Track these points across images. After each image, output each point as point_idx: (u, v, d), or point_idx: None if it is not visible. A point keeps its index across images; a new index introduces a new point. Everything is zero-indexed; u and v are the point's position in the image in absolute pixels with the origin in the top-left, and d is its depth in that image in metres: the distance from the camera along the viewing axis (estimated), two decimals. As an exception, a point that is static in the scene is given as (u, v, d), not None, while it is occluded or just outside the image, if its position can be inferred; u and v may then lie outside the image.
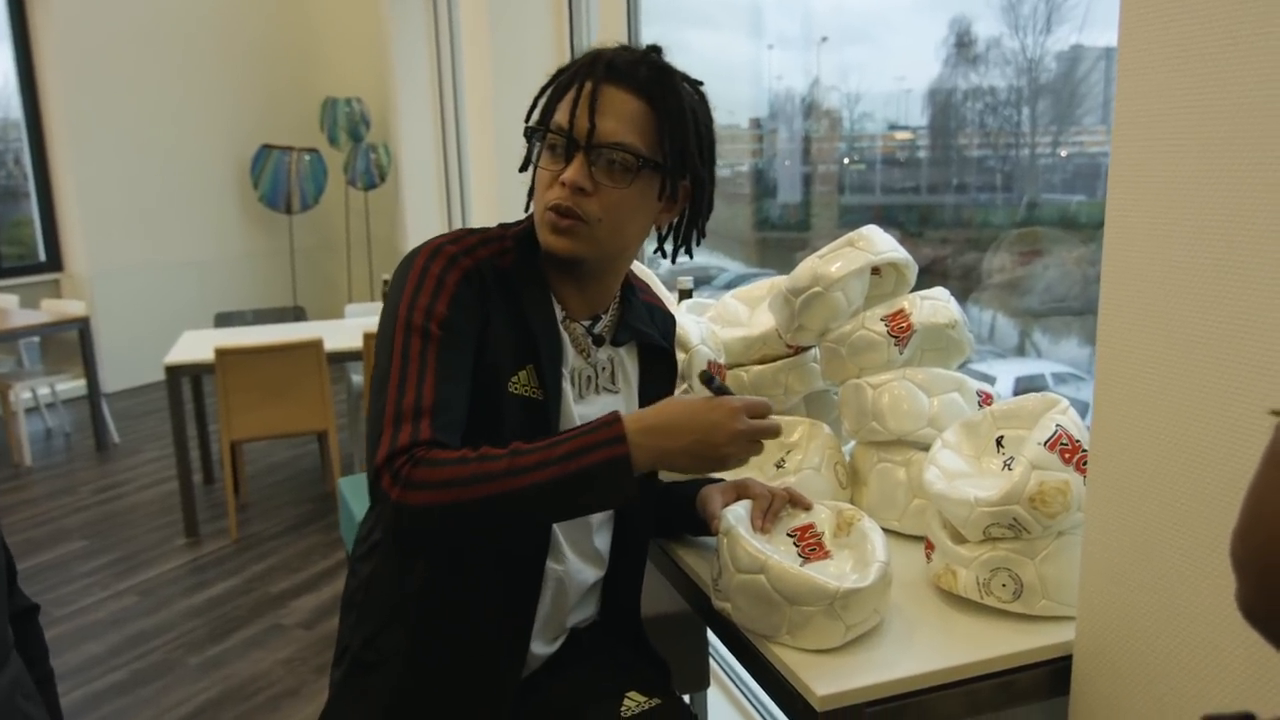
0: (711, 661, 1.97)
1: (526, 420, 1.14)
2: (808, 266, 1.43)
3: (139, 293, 6.47)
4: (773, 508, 1.26)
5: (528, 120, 1.17)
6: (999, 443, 1.26)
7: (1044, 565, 1.12)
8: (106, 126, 6.26)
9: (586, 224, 1.12)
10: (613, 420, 1.03)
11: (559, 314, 1.20)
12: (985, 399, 1.38)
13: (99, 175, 6.25)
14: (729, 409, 1.06)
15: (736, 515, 1.20)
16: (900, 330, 1.38)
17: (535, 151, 1.17)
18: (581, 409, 1.21)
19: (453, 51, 6.18)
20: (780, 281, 1.51)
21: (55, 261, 6.37)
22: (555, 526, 1.20)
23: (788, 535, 1.25)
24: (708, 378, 1.18)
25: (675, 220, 1.23)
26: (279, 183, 6.92)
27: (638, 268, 1.50)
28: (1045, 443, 1.11)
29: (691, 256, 1.26)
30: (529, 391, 1.14)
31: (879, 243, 1.44)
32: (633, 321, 1.26)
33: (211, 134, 6.84)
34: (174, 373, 3.80)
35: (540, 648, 1.26)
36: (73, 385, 5.64)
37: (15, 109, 6.19)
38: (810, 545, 1.22)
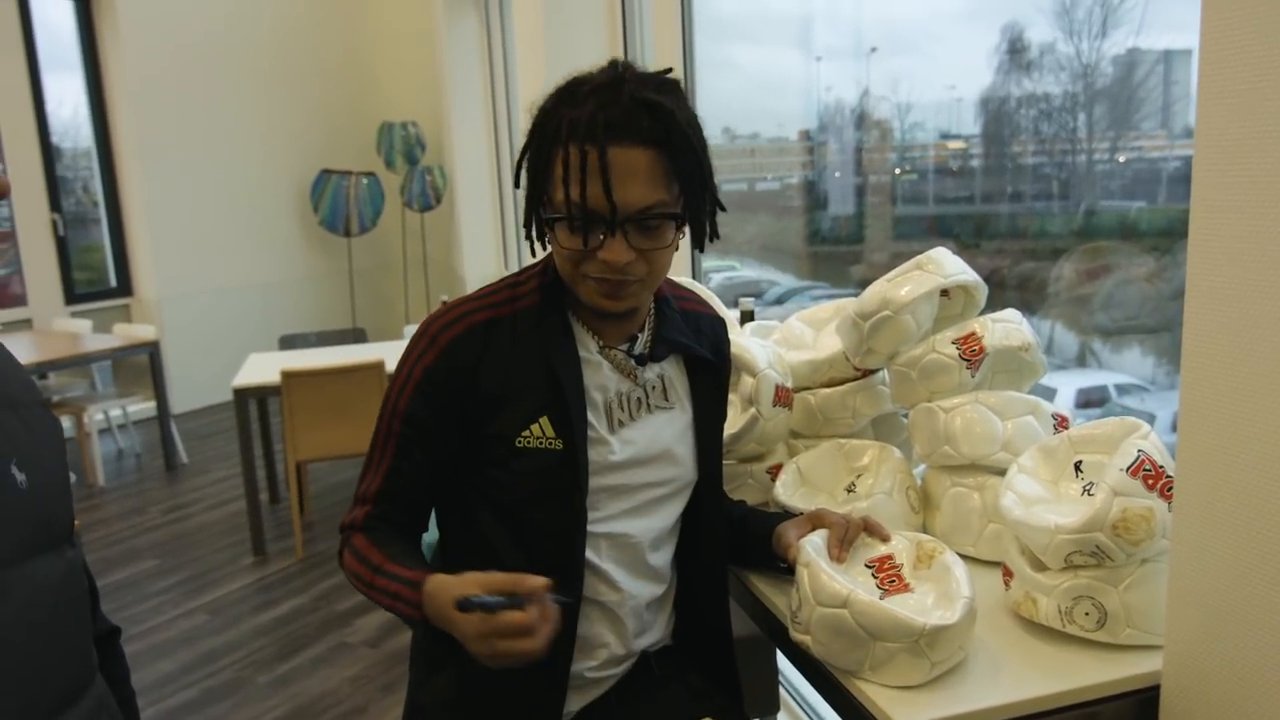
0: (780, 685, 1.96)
1: (547, 472, 1.16)
2: (876, 290, 1.43)
3: (205, 316, 6.64)
4: (848, 536, 1.24)
5: (516, 184, 1.15)
6: (1077, 467, 1.24)
7: (1128, 593, 1.10)
8: (174, 154, 6.45)
9: (639, 282, 1.13)
10: (418, 587, 1.08)
11: (594, 345, 1.21)
12: (1061, 422, 1.36)
13: (167, 202, 6.44)
14: (472, 633, 1.00)
15: (815, 546, 1.18)
16: (972, 354, 1.36)
17: (541, 219, 1.14)
18: (632, 433, 1.22)
19: (506, 74, 6.27)
20: (847, 304, 1.51)
21: (125, 286, 6.57)
22: (592, 554, 1.20)
23: (865, 566, 1.22)
24: (463, 603, 1.00)
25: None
26: (338, 206, 7.07)
27: (692, 284, 1.49)
28: (1128, 469, 1.09)
29: (703, 250, 1.24)
30: (544, 444, 1.16)
31: (948, 265, 1.42)
32: (668, 334, 1.25)
33: (273, 160, 7.02)
34: (241, 395, 3.89)
35: (594, 672, 1.25)
36: (143, 407, 5.80)
37: (85, 137, 6.40)
38: (889, 577, 1.20)
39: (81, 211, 6.52)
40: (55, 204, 6.09)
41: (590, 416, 1.19)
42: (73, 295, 6.23)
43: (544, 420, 1.16)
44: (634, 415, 1.23)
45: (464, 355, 1.16)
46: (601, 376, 1.21)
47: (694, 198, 1.12)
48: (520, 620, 0.97)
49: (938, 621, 1.04)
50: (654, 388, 1.25)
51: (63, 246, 6.15)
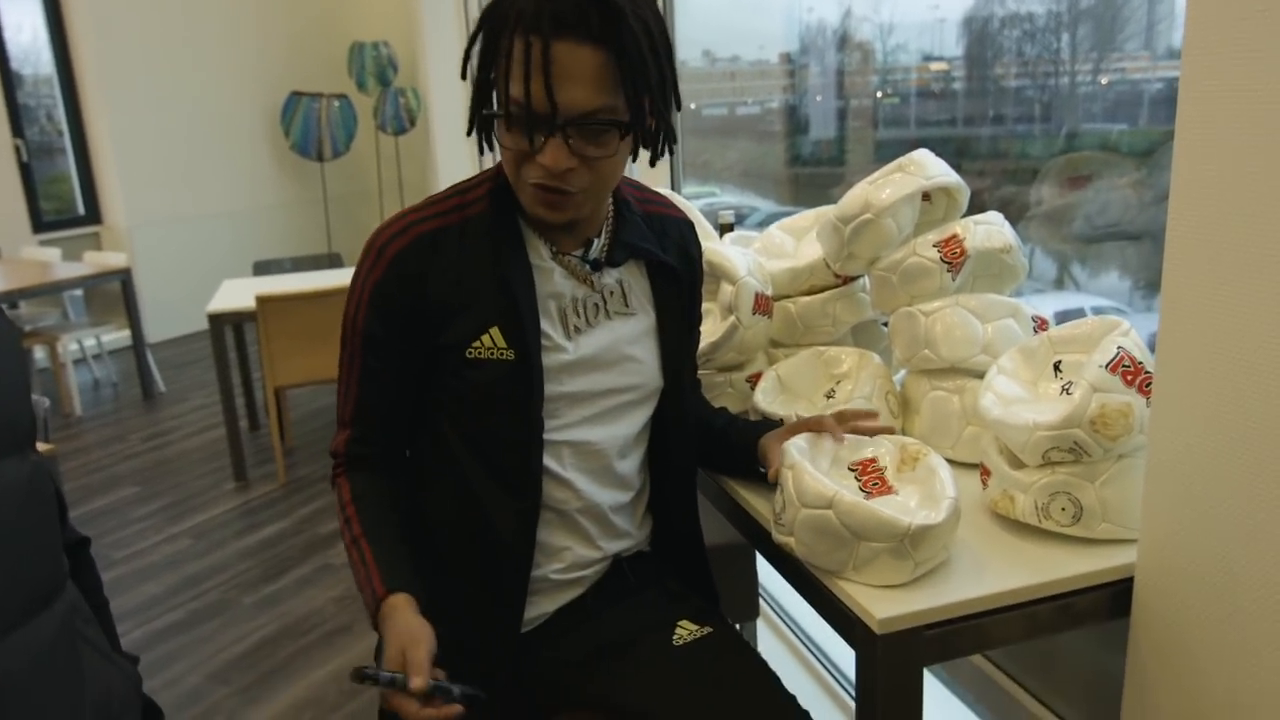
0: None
1: (501, 383, 1.15)
2: (857, 193, 1.40)
3: (177, 243, 6.53)
4: (844, 418, 1.26)
5: (464, 76, 1.08)
6: (1056, 367, 1.24)
7: (1105, 488, 1.11)
8: (138, 78, 6.27)
9: (581, 193, 1.09)
10: (380, 597, 1.10)
11: (547, 251, 1.18)
12: (1041, 324, 1.36)
13: (133, 128, 6.27)
14: (403, 651, 1.01)
15: (799, 449, 1.18)
16: (953, 256, 1.35)
17: (482, 118, 1.08)
18: (589, 339, 1.20)
19: (479, -9, 6.10)
20: (828, 211, 1.49)
21: (94, 215, 6.44)
22: (553, 462, 1.20)
23: (849, 469, 1.22)
24: (356, 674, 0.98)
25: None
26: (310, 130, 6.91)
27: (667, 193, 1.45)
28: (1107, 365, 1.09)
29: (671, 153, 1.18)
30: (495, 354, 1.14)
31: (930, 167, 1.40)
32: (627, 238, 1.21)
33: (241, 82, 6.83)
34: (217, 321, 3.84)
35: (561, 574, 1.25)
36: (117, 336, 5.74)
37: (46, 64, 6.20)
38: (873, 479, 1.20)
39: (46, 141, 6.34)
40: (18, 130, 5.92)
41: (544, 325, 1.17)
42: (40, 224, 6.10)
43: (494, 330, 1.14)
44: (591, 321, 1.20)
45: (412, 266, 1.13)
46: (555, 283, 1.18)
47: (640, 106, 1.06)
48: (405, 710, 0.98)
49: (922, 521, 1.04)
50: (612, 293, 1.22)
51: (27, 173, 5.99)
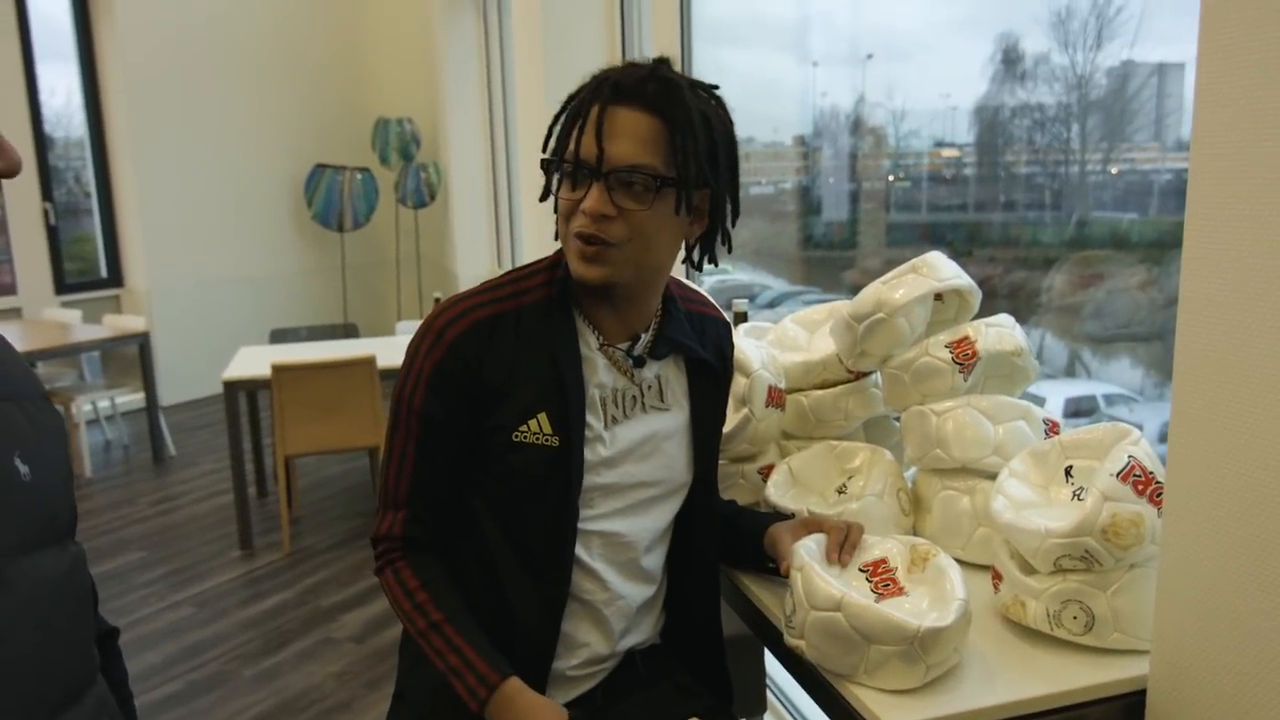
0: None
1: (543, 469, 1.17)
2: (871, 292, 1.43)
3: (196, 308, 6.62)
4: (850, 539, 1.24)
5: (544, 151, 1.18)
6: (1068, 472, 1.24)
7: (1117, 598, 1.11)
8: (167, 146, 6.43)
9: (615, 247, 1.13)
10: (494, 683, 1.11)
11: (594, 341, 1.21)
12: (1052, 428, 1.37)
13: (159, 193, 6.41)
14: None
15: (809, 550, 1.18)
16: (965, 357, 1.37)
17: (555, 182, 1.17)
18: (625, 431, 1.22)
19: (503, 71, 6.27)
20: (841, 306, 1.51)
21: (116, 278, 6.54)
22: (583, 552, 1.21)
23: (860, 570, 1.22)
24: None
25: (703, 231, 1.22)
26: (332, 201, 7.05)
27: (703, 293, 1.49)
28: (1118, 474, 1.09)
29: (716, 264, 1.24)
30: (541, 440, 1.16)
31: (942, 269, 1.43)
32: (670, 334, 1.25)
33: (267, 154, 6.99)
34: (231, 388, 3.87)
35: (575, 670, 1.25)
36: (131, 399, 5.77)
37: (78, 127, 6.37)
38: (884, 580, 1.19)
39: (73, 202, 6.48)
40: (47, 193, 6.06)
41: (587, 414, 1.19)
42: (63, 285, 6.20)
43: (542, 416, 1.16)
44: (628, 413, 1.23)
45: (469, 350, 1.16)
46: (598, 373, 1.21)
47: (695, 177, 1.13)
48: None
49: (932, 623, 1.04)
50: (650, 387, 1.25)
51: (54, 236, 6.11)
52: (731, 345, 1.38)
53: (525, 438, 1.16)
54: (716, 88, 1.18)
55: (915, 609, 1.12)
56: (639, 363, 1.23)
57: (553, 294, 1.20)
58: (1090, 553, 1.09)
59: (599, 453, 1.20)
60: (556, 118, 1.17)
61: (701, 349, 1.28)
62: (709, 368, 1.29)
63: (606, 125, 1.10)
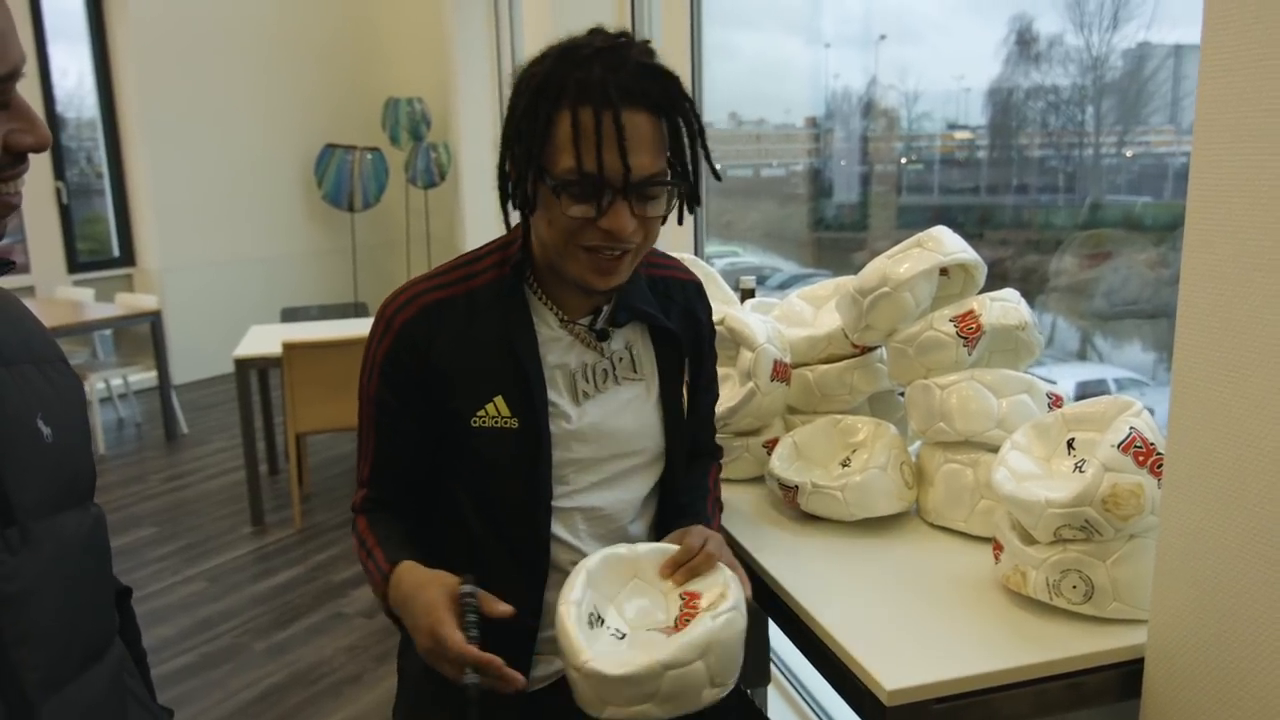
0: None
1: (505, 450, 1.17)
2: (876, 267, 1.44)
3: (207, 287, 6.65)
4: (692, 563, 1.14)
5: (507, 144, 1.11)
6: (1070, 445, 1.25)
7: (1116, 568, 1.12)
8: (179, 126, 6.44)
9: (630, 253, 1.12)
10: (383, 581, 1.14)
11: (555, 320, 1.21)
12: (1055, 401, 1.38)
13: (171, 174, 6.43)
14: (431, 630, 1.02)
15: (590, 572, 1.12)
16: (969, 331, 1.38)
17: (534, 187, 1.09)
18: (597, 404, 1.22)
19: (514, 51, 6.26)
20: (847, 281, 1.52)
21: (128, 257, 6.57)
22: (565, 530, 1.21)
23: (681, 595, 1.14)
24: (468, 605, 1.04)
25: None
26: (342, 181, 7.06)
27: (690, 260, 1.48)
28: (1119, 445, 1.10)
29: (693, 212, 1.17)
30: (500, 422, 1.17)
31: (948, 243, 1.44)
32: (630, 301, 1.23)
33: (278, 134, 7.01)
34: (243, 366, 3.90)
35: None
36: (144, 377, 5.82)
37: (89, 108, 6.39)
38: (686, 616, 1.10)
39: (85, 182, 6.51)
40: (59, 173, 6.09)
41: (551, 394, 1.19)
42: (75, 264, 6.24)
43: (499, 400, 1.17)
44: (600, 386, 1.23)
45: (417, 336, 1.17)
46: (562, 352, 1.21)
47: (685, 167, 1.11)
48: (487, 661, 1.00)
49: (600, 667, 0.99)
50: (621, 359, 1.25)
51: (66, 215, 6.15)
52: (707, 306, 1.35)
53: (484, 422, 1.17)
54: (649, 42, 1.11)
55: (643, 649, 1.05)
56: (603, 335, 1.23)
57: (505, 275, 1.19)
58: (1090, 523, 1.10)
59: (564, 428, 1.20)
60: (517, 110, 1.08)
61: (665, 316, 1.26)
62: (673, 335, 1.26)
63: (628, 137, 1.03)
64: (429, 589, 1.06)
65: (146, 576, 3.57)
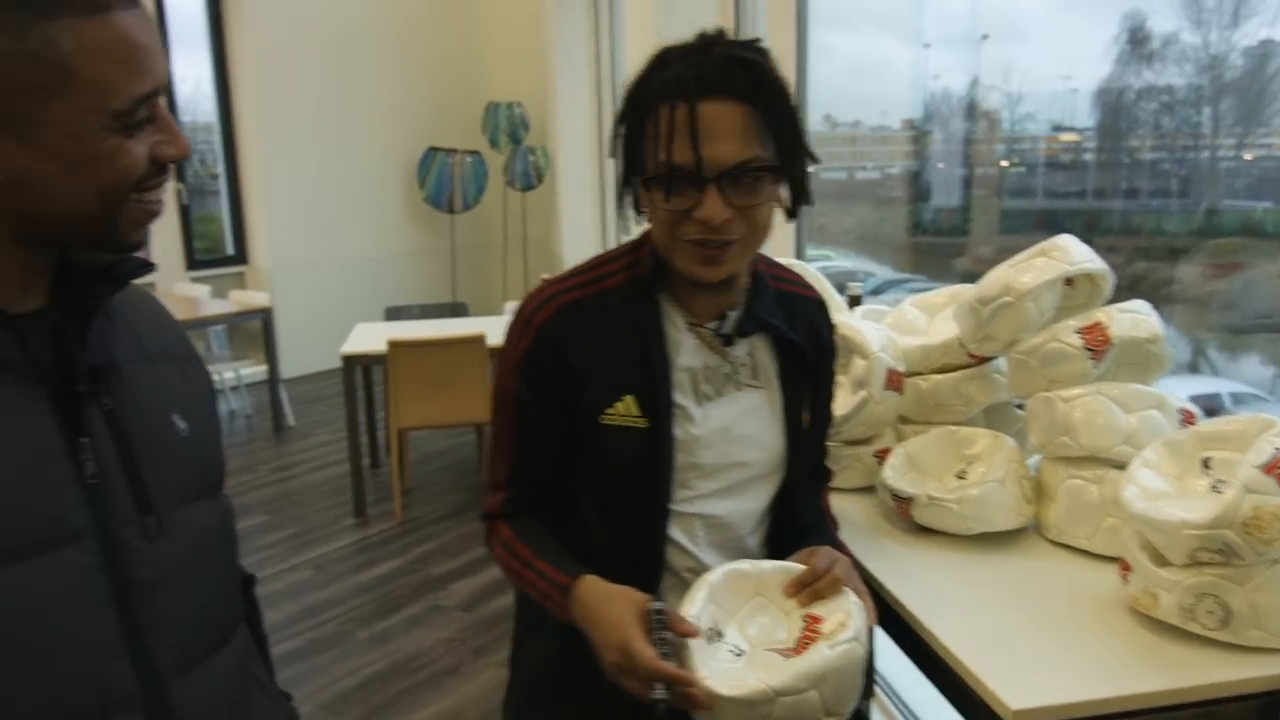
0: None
1: (633, 450, 1.17)
2: (998, 276, 1.41)
3: (315, 285, 6.88)
4: (817, 585, 1.12)
5: (613, 153, 1.14)
6: (1205, 464, 1.21)
7: (1256, 594, 1.07)
8: (291, 130, 6.69)
9: (734, 244, 1.12)
10: (562, 594, 1.12)
11: (682, 321, 1.21)
12: (1188, 418, 1.33)
13: (283, 176, 6.69)
14: (621, 645, 1.01)
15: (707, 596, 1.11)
16: (1097, 343, 1.34)
17: (638, 189, 1.13)
18: (718, 408, 1.21)
19: (613, 56, 6.32)
20: (965, 290, 1.49)
21: (241, 255, 6.85)
22: (684, 536, 1.21)
23: (803, 617, 1.12)
24: (658, 621, 1.03)
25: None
26: (443, 184, 7.23)
27: (797, 265, 1.47)
28: (1262, 465, 1.05)
29: (794, 217, 1.18)
30: (629, 421, 1.17)
31: (1074, 253, 1.40)
32: (758, 312, 1.23)
33: (384, 137, 7.21)
34: (349, 362, 4.03)
35: None
36: (254, 370, 6.05)
37: (205, 112, 6.69)
38: (806, 638, 1.09)
39: (199, 184, 6.81)
40: (179, 175, 6.38)
41: (677, 396, 1.19)
42: (193, 261, 6.53)
43: (629, 399, 1.17)
44: (721, 390, 1.22)
45: (557, 334, 1.19)
46: (686, 352, 1.21)
47: (790, 154, 1.11)
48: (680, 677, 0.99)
49: (713, 686, 0.98)
50: (743, 365, 1.24)
51: (185, 215, 6.45)
52: (829, 323, 1.34)
53: (613, 420, 1.18)
54: (758, 40, 1.13)
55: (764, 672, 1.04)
56: (728, 340, 1.22)
57: (637, 276, 1.20)
58: (1229, 545, 1.06)
59: (689, 431, 1.20)
60: (623, 119, 1.12)
61: (790, 329, 1.26)
62: (797, 349, 1.26)
63: (702, 125, 1.04)
64: (615, 604, 1.07)
65: (256, 563, 3.71)
